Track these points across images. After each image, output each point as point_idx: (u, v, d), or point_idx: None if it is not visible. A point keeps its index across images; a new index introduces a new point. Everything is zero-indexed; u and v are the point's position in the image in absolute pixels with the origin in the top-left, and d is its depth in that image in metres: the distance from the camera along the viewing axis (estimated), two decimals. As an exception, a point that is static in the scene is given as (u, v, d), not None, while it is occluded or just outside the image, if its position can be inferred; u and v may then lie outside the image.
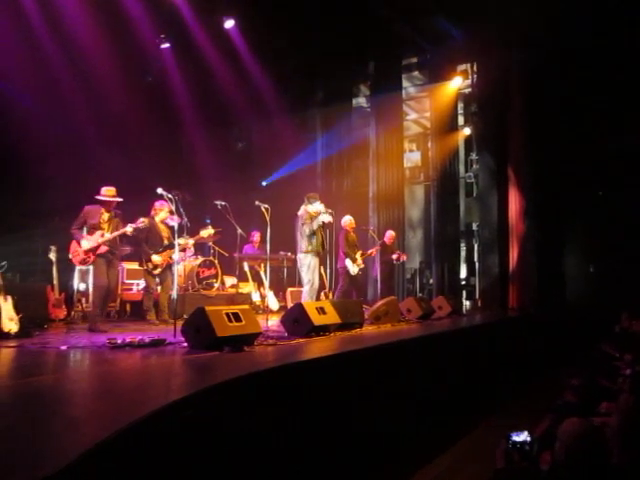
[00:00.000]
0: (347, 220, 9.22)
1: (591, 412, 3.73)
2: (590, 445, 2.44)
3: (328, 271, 8.05)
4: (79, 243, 6.37)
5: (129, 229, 6.71)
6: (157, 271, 7.32)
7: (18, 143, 8.19)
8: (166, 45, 10.15)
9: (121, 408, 2.56)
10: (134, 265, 8.48)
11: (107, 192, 6.55)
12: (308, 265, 7.29)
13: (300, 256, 7.37)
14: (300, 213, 7.50)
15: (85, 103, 9.08)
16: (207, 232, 8.01)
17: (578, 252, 11.48)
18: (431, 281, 12.60)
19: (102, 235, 6.40)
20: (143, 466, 2.22)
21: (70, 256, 6.46)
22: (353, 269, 8.99)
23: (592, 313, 9.37)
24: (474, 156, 13.02)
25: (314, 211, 7.39)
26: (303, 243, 7.31)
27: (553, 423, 3.67)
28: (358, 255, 9.11)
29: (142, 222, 6.87)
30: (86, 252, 6.35)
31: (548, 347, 8.85)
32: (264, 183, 13.44)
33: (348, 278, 9.05)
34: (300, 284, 8.46)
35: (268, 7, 9.75)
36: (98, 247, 6.37)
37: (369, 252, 9.58)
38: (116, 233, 6.56)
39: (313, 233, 7.26)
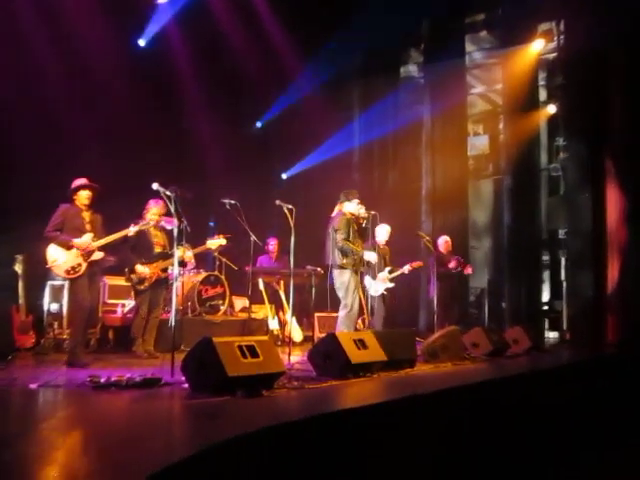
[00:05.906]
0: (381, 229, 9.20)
1: None
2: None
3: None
4: (66, 246, 6.26)
5: (132, 230, 6.79)
6: (143, 286, 7.38)
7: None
8: (163, 0, 10.31)
9: (109, 470, 2.59)
10: (119, 280, 8.55)
11: (79, 182, 6.54)
12: (346, 284, 7.26)
13: (335, 272, 7.35)
14: (334, 215, 7.48)
15: (60, 70, 9.11)
16: (216, 242, 8.00)
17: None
18: (503, 305, 12.50)
19: (93, 239, 6.37)
20: None
21: (49, 265, 6.32)
22: (375, 288, 9.00)
23: None
24: (561, 142, 12.88)
25: (350, 212, 7.39)
26: (337, 256, 7.30)
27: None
28: (385, 271, 9.09)
29: (146, 224, 6.96)
30: (83, 256, 6.28)
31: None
32: (285, 176, 13.52)
33: (380, 300, 9.08)
34: (333, 308, 8.46)
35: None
36: (92, 252, 6.36)
37: (403, 269, 9.45)
38: (116, 235, 6.62)
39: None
